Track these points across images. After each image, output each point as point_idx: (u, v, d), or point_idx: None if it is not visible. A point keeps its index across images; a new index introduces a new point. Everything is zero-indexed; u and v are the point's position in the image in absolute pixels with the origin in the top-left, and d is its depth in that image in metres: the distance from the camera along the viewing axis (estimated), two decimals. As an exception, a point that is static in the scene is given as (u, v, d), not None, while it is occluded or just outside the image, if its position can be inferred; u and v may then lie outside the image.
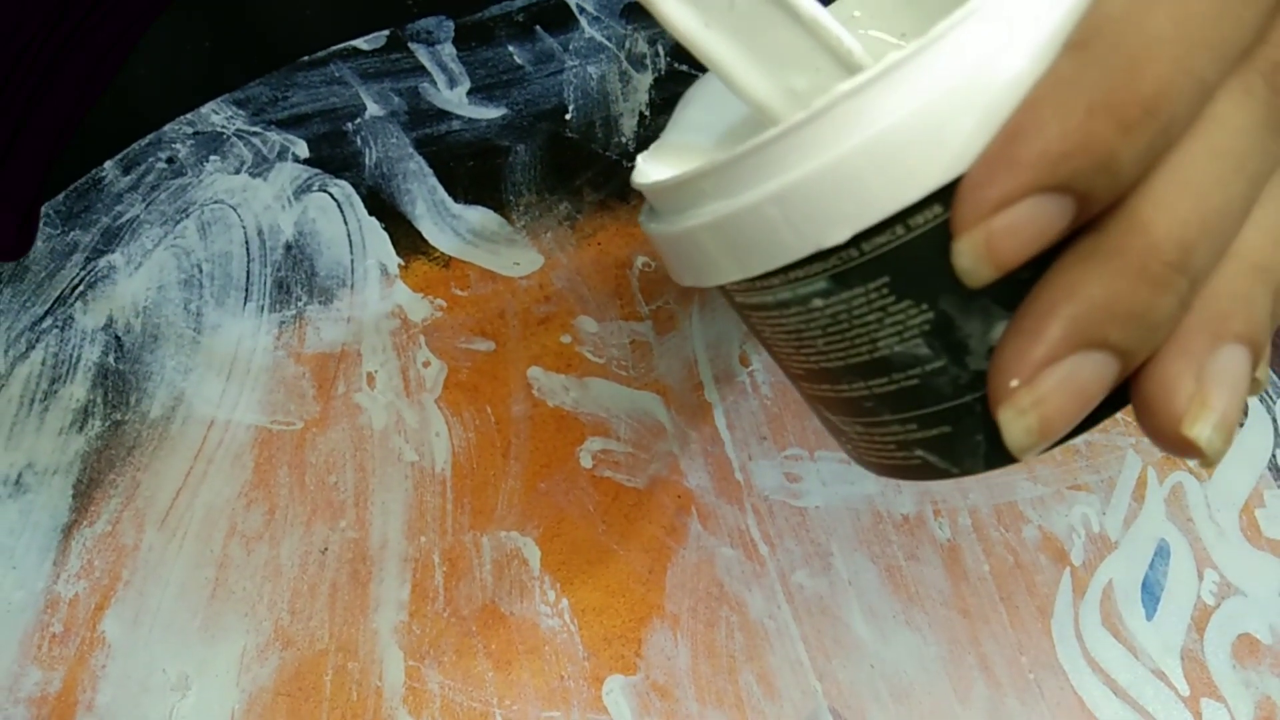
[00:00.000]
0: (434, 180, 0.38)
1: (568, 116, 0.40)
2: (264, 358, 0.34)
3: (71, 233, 0.37)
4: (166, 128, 0.40)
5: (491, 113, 0.40)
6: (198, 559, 0.30)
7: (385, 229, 0.37)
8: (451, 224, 0.37)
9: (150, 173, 0.39)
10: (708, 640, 0.29)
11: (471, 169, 0.39)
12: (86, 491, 0.32)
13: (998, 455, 0.17)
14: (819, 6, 0.18)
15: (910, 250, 0.16)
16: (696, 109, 0.22)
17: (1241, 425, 0.33)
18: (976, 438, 0.17)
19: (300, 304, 0.35)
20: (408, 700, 0.28)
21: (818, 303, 0.17)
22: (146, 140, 0.40)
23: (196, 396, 0.33)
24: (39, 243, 0.37)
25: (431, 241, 0.37)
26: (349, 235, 0.37)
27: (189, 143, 0.40)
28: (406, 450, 0.32)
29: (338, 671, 0.28)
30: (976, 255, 0.15)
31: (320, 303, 0.35)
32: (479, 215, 0.38)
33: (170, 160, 0.39)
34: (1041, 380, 0.15)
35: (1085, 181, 0.14)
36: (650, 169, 0.20)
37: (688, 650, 0.29)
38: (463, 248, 0.37)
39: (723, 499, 0.31)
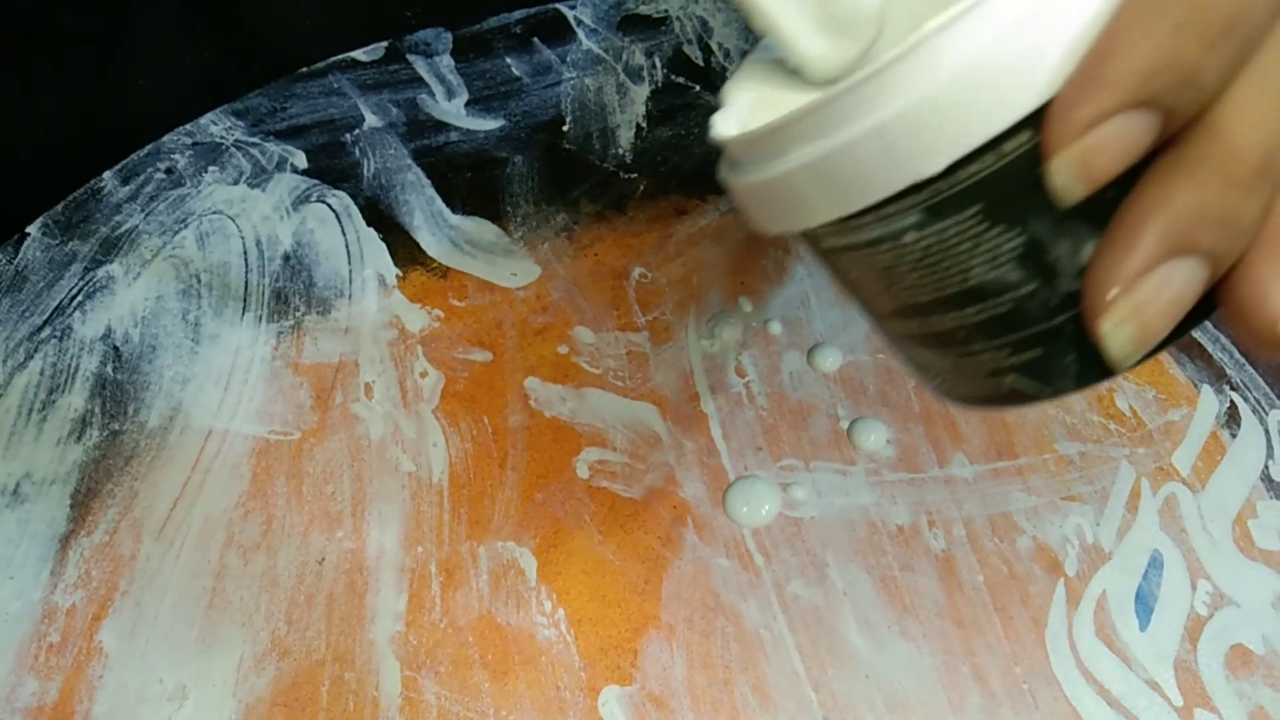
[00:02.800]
0: (432, 191, 0.39)
1: (565, 128, 0.40)
2: (262, 368, 0.34)
3: (70, 243, 0.37)
4: (165, 138, 0.40)
5: (489, 124, 0.40)
6: (195, 569, 0.30)
7: (383, 239, 0.37)
8: (449, 235, 0.37)
9: (149, 183, 0.39)
10: (703, 650, 0.29)
11: (469, 180, 0.39)
12: (84, 501, 0.32)
13: (1090, 372, 0.17)
14: None
15: (1002, 177, 0.16)
16: (756, 65, 0.22)
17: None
18: (1068, 358, 0.18)
19: (298, 314, 0.36)
20: (404, 710, 0.28)
21: (910, 236, 0.18)
22: (145, 151, 0.40)
23: (194, 406, 0.33)
24: (38, 252, 0.37)
25: (429, 252, 0.37)
26: (347, 246, 0.37)
27: (188, 153, 0.40)
28: (404, 460, 0.32)
29: (334, 682, 0.28)
30: (1070, 173, 0.16)
31: (318, 313, 0.36)
32: (476, 226, 0.38)
33: (169, 171, 0.39)
34: (1138, 289, 0.16)
35: (1172, 96, 0.15)
36: (731, 121, 0.20)
37: (683, 660, 0.29)
38: (460, 258, 0.37)
39: (718, 509, 0.31)
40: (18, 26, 0.41)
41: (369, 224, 0.38)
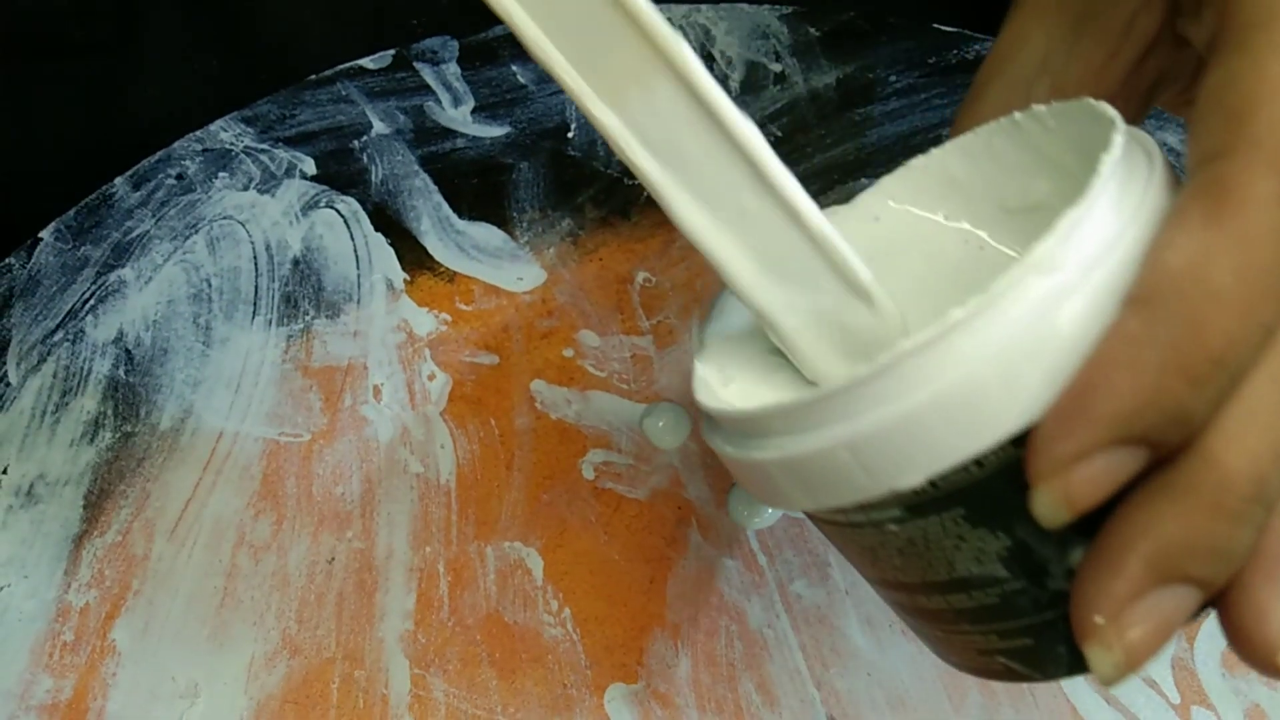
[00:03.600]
0: (439, 197, 0.39)
1: (570, 135, 0.41)
2: (272, 371, 0.35)
3: (82, 248, 0.38)
4: (176, 145, 0.41)
5: (495, 131, 0.41)
6: (206, 568, 0.31)
7: (391, 245, 0.38)
8: (456, 240, 0.38)
9: (160, 189, 0.40)
10: (708, 649, 0.29)
11: (476, 186, 0.39)
12: (97, 502, 0.32)
13: (1080, 664, 0.17)
14: (828, 224, 0.18)
15: (984, 485, 0.16)
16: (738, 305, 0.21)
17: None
18: (1059, 649, 0.17)
19: (308, 318, 0.36)
20: (413, 708, 0.28)
21: (893, 528, 0.17)
22: (156, 157, 0.40)
23: (205, 409, 0.34)
24: (50, 257, 0.38)
25: (436, 257, 0.38)
26: (355, 251, 0.38)
27: (198, 159, 0.40)
28: (412, 462, 0.33)
29: (344, 680, 0.29)
30: (1055, 503, 0.15)
31: (327, 317, 0.36)
32: (483, 231, 0.38)
33: (180, 177, 0.40)
34: (1125, 617, 0.15)
35: (1158, 433, 0.15)
36: (710, 380, 0.20)
37: (688, 659, 0.29)
38: (467, 263, 0.37)
39: (722, 510, 0.32)
40: (29, 37, 0.42)
41: (377, 229, 0.38)
